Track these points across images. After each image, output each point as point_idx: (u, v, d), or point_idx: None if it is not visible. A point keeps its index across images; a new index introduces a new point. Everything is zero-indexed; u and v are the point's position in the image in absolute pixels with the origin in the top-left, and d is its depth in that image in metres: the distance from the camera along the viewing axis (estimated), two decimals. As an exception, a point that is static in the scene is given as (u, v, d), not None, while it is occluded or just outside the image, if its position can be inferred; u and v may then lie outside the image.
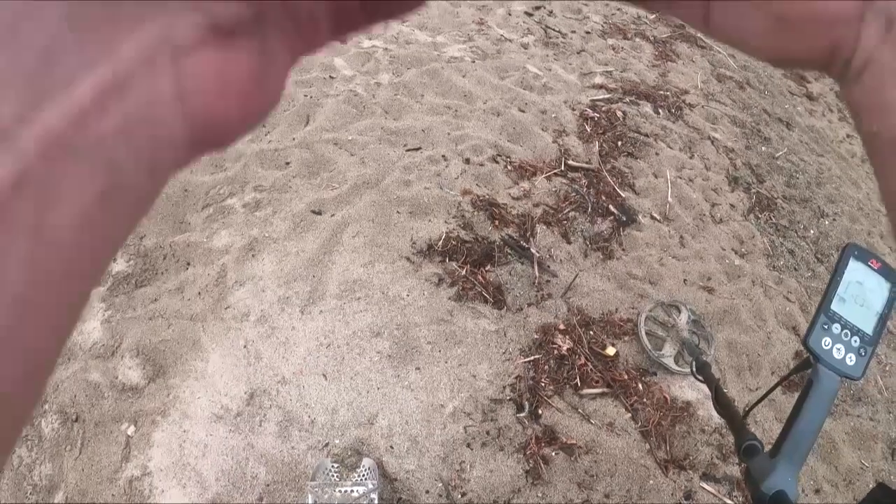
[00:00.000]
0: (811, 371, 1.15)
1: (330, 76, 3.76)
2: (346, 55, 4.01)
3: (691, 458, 2.39)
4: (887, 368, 3.05)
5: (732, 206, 3.53)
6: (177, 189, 2.95)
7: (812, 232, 3.63)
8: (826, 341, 1.14)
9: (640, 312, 2.73)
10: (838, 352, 1.14)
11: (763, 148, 4.12)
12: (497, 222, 2.93)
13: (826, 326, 1.15)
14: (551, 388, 2.43)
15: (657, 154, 3.62)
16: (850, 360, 1.14)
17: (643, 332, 2.64)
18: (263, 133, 3.31)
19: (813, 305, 3.16)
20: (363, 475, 2.03)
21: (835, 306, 1.17)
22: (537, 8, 5.13)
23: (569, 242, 2.97)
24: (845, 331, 1.16)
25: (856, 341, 1.15)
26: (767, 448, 1.13)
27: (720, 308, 2.90)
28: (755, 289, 3.09)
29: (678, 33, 5.23)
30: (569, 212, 3.09)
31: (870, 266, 1.20)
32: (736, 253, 3.25)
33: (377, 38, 4.28)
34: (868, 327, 1.16)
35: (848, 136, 4.80)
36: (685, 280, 2.98)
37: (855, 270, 1.19)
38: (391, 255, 2.72)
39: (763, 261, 3.28)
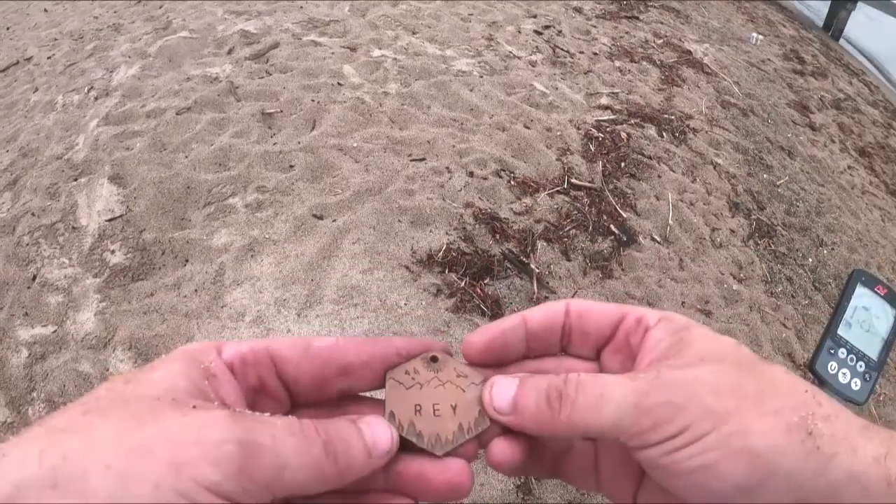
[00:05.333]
0: (815, 394, 1.14)
1: (338, 83, 3.77)
2: (356, 63, 4.02)
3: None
4: (881, 398, 3.04)
5: (732, 231, 3.53)
6: (179, 185, 2.94)
7: (810, 260, 3.63)
8: (832, 365, 1.14)
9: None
10: (843, 376, 1.13)
11: (765, 175, 4.14)
12: (498, 236, 2.93)
13: (832, 351, 1.15)
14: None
15: (659, 176, 3.62)
16: (856, 384, 1.13)
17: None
18: (269, 135, 3.31)
19: (810, 333, 3.16)
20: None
21: (841, 331, 1.16)
22: (547, 27, 5.16)
23: (569, 260, 2.96)
24: (851, 356, 1.15)
25: (861, 366, 1.14)
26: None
27: (717, 332, 2.89)
28: (752, 314, 3.08)
29: (685, 59, 5.27)
30: (570, 229, 3.09)
31: (876, 292, 1.19)
32: (734, 278, 3.25)
33: (387, 48, 4.29)
34: (873, 352, 1.16)
35: (849, 167, 4.82)
36: (683, 303, 2.97)
37: (862, 296, 1.18)
38: (391, 264, 2.71)
39: (761, 287, 3.28)
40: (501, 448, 0.44)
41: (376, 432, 0.41)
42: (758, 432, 0.37)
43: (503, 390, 0.44)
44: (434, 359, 0.48)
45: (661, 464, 0.39)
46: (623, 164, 3.62)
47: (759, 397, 0.39)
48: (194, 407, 0.35)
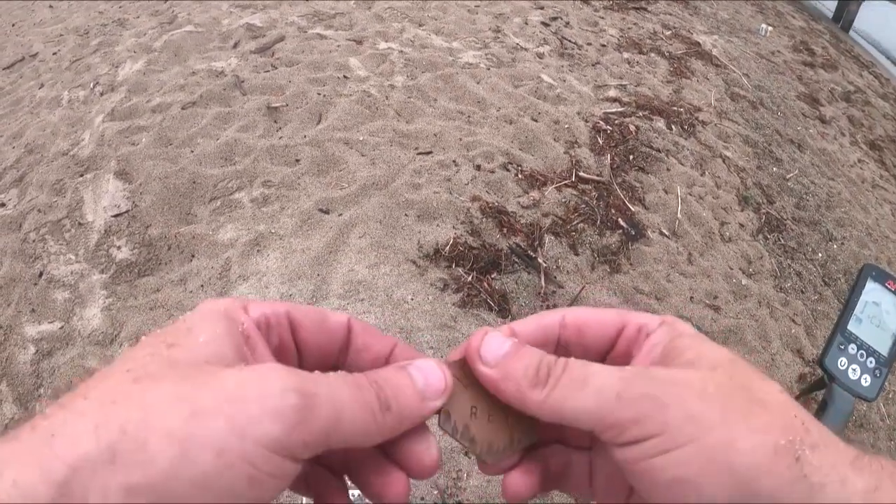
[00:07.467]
0: (825, 391, 1.12)
1: (344, 76, 3.75)
2: (362, 56, 4.01)
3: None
4: (890, 395, 3.01)
5: (742, 225, 3.51)
6: (185, 180, 2.94)
7: (820, 255, 3.60)
8: (842, 361, 1.12)
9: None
10: (854, 372, 1.11)
11: (774, 168, 4.10)
12: (505, 230, 2.91)
13: (842, 346, 1.13)
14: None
15: (668, 170, 3.60)
16: (865, 380, 1.11)
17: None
18: (275, 129, 3.30)
19: (819, 329, 3.13)
20: (359, 477, 2.00)
21: (851, 326, 1.14)
22: (554, 18, 5.13)
23: (576, 254, 2.95)
24: (861, 351, 1.13)
25: (871, 362, 1.12)
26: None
27: (725, 327, 2.87)
28: (761, 309, 3.06)
29: (693, 51, 5.22)
30: (578, 223, 3.07)
31: (887, 287, 1.17)
32: (743, 272, 3.23)
33: (393, 40, 4.27)
34: (884, 348, 1.14)
35: (859, 160, 4.77)
36: (692, 297, 2.95)
37: (872, 291, 1.17)
38: (397, 258, 2.70)
39: (770, 282, 3.26)
40: (519, 482, 0.44)
41: (429, 376, 0.41)
42: (743, 449, 0.35)
43: (494, 345, 0.43)
44: None
45: (639, 469, 0.37)
46: (631, 158, 3.59)
47: (748, 411, 0.37)
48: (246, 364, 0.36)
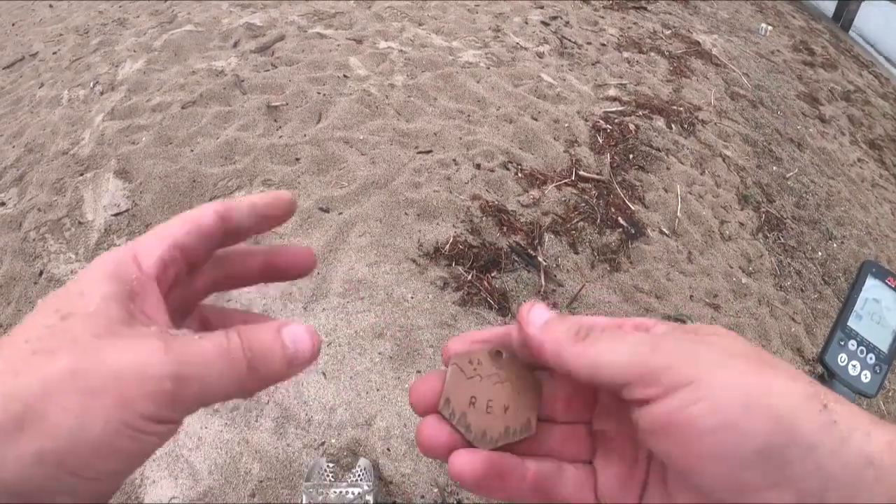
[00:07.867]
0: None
1: (344, 75, 3.75)
2: (362, 55, 4.01)
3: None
4: (890, 394, 3.01)
5: (741, 224, 3.51)
6: (185, 179, 2.94)
7: (820, 254, 3.60)
8: (842, 357, 1.12)
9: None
10: (854, 368, 1.12)
11: (774, 168, 4.10)
12: (505, 229, 2.91)
13: (842, 343, 1.13)
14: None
15: (668, 169, 3.60)
16: (866, 377, 1.12)
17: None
18: (275, 128, 3.30)
19: (819, 327, 3.13)
20: (358, 476, 2.00)
21: (851, 323, 1.14)
22: (554, 18, 5.13)
23: (576, 253, 2.95)
24: (861, 348, 1.13)
25: (871, 358, 1.13)
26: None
27: (725, 326, 2.86)
28: (761, 308, 3.06)
29: (693, 50, 5.22)
30: (578, 222, 3.07)
31: (887, 284, 1.17)
32: (743, 271, 3.23)
33: (393, 39, 4.27)
34: (884, 345, 1.14)
35: (859, 159, 4.77)
36: (692, 296, 2.95)
37: (872, 288, 1.17)
38: (397, 257, 2.70)
39: (770, 280, 3.25)
40: (462, 460, 0.45)
41: (299, 345, 0.43)
42: (780, 392, 0.36)
43: (540, 312, 0.47)
44: (499, 353, 0.50)
45: (677, 421, 0.37)
46: (631, 156, 3.59)
47: (774, 365, 0.38)
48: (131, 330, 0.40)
